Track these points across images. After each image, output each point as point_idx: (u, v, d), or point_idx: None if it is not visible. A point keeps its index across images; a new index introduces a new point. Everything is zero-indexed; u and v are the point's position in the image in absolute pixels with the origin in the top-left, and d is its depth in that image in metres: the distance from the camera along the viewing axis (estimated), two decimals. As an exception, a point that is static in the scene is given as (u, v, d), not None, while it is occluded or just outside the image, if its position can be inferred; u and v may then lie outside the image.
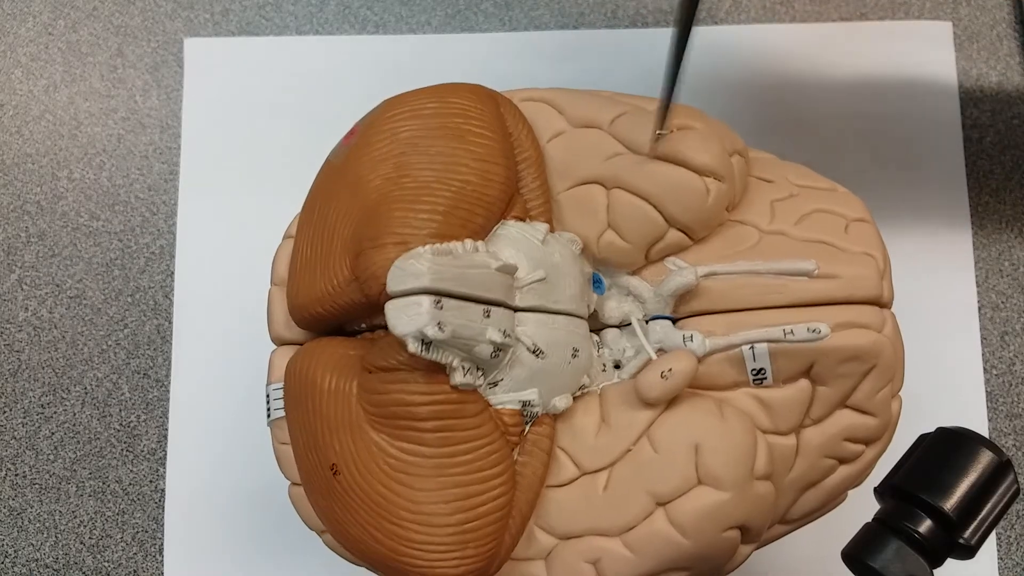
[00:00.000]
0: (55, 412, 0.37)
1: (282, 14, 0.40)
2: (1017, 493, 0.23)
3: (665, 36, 0.39)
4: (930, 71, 0.39)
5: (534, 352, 0.25)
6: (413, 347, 0.22)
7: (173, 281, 0.38)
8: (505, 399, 0.25)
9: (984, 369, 0.37)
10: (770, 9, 0.40)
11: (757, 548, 0.27)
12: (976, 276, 0.37)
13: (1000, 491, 0.23)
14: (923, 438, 0.25)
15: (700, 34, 0.39)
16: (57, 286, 0.38)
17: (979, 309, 0.37)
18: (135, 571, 0.36)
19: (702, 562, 0.25)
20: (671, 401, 0.26)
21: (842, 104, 0.39)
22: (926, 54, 0.39)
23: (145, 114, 0.39)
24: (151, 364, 0.37)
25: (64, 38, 0.40)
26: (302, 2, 0.40)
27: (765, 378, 0.26)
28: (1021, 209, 0.38)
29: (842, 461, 0.28)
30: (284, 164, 0.38)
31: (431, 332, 0.22)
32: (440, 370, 0.23)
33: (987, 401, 0.37)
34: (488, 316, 0.23)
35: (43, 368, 0.37)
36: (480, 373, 0.24)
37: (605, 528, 0.25)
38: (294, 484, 0.28)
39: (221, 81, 0.39)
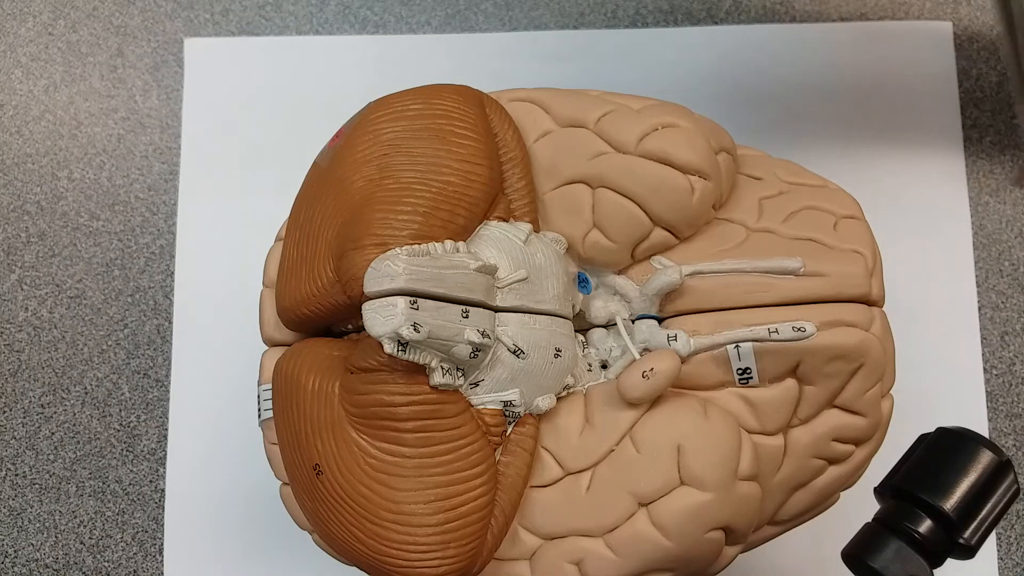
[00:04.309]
0: (55, 412, 0.37)
1: (282, 14, 0.40)
2: (1017, 493, 0.23)
3: (665, 36, 0.39)
4: (930, 71, 0.39)
5: (515, 352, 0.25)
6: (389, 348, 0.22)
7: (173, 281, 0.38)
8: (487, 399, 0.25)
9: (984, 369, 0.37)
10: (770, 9, 0.40)
11: (745, 550, 0.27)
12: (976, 276, 0.37)
13: (1000, 491, 0.23)
14: (923, 438, 0.25)
15: (700, 34, 0.39)
16: (57, 286, 0.38)
17: (979, 309, 0.37)
18: (135, 571, 0.36)
19: (686, 563, 0.25)
20: (655, 401, 0.25)
21: (842, 104, 0.39)
22: (926, 54, 0.39)
23: (145, 114, 0.39)
24: (151, 364, 0.37)
25: (64, 38, 0.40)
26: (302, 2, 0.40)
27: (751, 378, 0.26)
28: (1021, 209, 0.38)
29: (832, 462, 0.27)
30: (284, 164, 0.39)
31: (406, 333, 0.22)
32: (420, 371, 0.24)
33: (987, 401, 0.37)
34: (467, 316, 0.23)
35: (43, 368, 0.37)
36: (460, 373, 0.24)
37: (588, 529, 0.25)
38: (284, 484, 0.28)
39: (221, 81, 0.39)
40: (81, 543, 0.36)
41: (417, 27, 0.40)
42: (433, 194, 0.25)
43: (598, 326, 0.28)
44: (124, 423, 0.37)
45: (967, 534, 0.23)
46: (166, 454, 0.37)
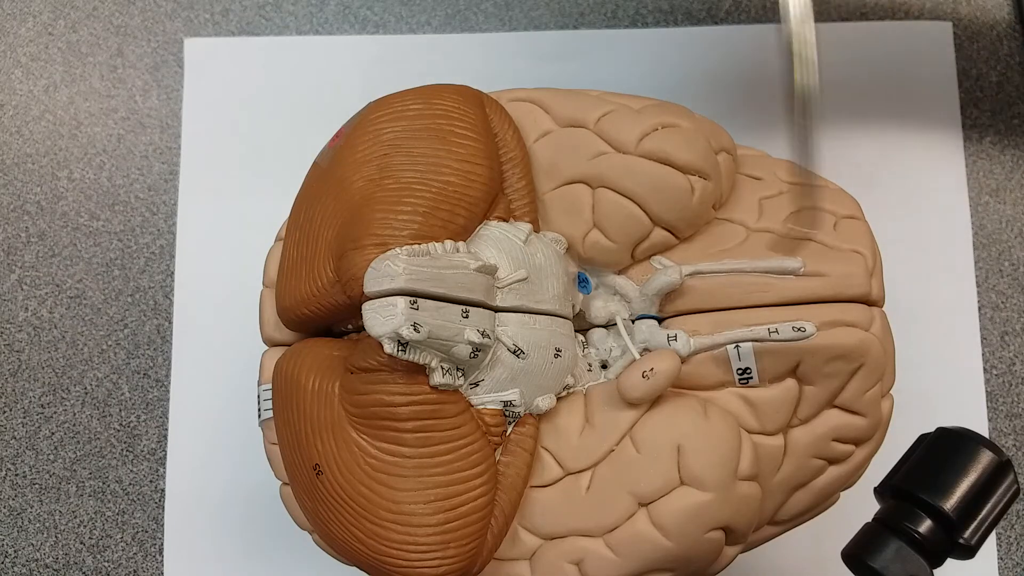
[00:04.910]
0: (55, 412, 0.37)
1: (282, 14, 0.40)
2: (1017, 493, 0.23)
3: (665, 36, 0.39)
4: (930, 71, 0.39)
5: (515, 352, 0.25)
6: (389, 348, 0.22)
7: (173, 281, 0.38)
8: (487, 399, 0.25)
9: (984, 369, 0.37)
10: (770, 9, 0.40)
11: (744, 550, 0.27)
12: (976, 276, 0.37)
13: (1000, 491, 0.23)
14: (923, 438, 0.25)
15: (700, 34, 0.39)
16: (57, 286, 0.38)
17: (979, 309, 0.37)
18: (135, 571, 0.36)
19: (686, 563, 0.25)
20: (655, 401, 0.25)
21: (841, 104, 0.39)
22: (926, 54, 0.39)
23: (145, 114, 0.39)
24: (151, 364, 0.37)
25: (64, 38, 0.40)
26: (302, 2, 0.40)
27: (751, 378, 0.26)
28: (1021, 209, 0.38)
29: (832, 462, 0.27)
30: (284, 164, 0.39)
31: (406, 333, 0.22)
32: (420, 371, 0.24)
33: (987, 401, 0.37)
34: (467, 316, 0.23)
35: (43, 368, 0.37)
36: (460, 373, 0.24)
37: (588, 529, 0.25)
38: (285, 484, 0.28)
39: (221, 81, 0.39)
40: (81, 543, 0.36)
41: (417, 27, 0.40)
42: (433, 194, 0.25)
43: (598, 326, 0.28)
44: (124, 423, 0.37)
45: (967, 534, 0.23)
46: (166, 454, 0.37)
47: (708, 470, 0.25)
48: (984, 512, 0.23)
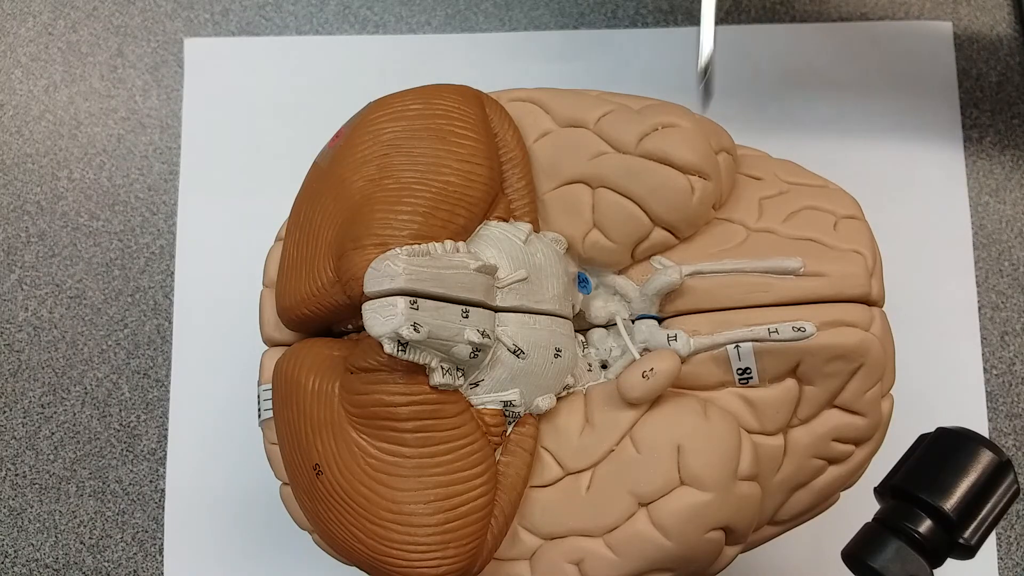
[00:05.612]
0: (55, 412, 0.37)
1: (282, 14, 0.40)
2: (1017, 493, 0.23)
3: (665, 36, 0.39)
4: (930, 71, 0.39)
5: (515, 352, 0.25)
6: (389, 348, 0.22)
7: (173, 281, 0.38)
8: (487, 399, 0.25)
9: (984, 369, 0.37)
10: (770, 9, 0.40)
11: (745, 550, 0.27)
12: (976, 276, 0.37)
13: (1000, 491, 0.23)
14: (923, 438, 0.25)
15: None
16: (57, 286, 0.38)
17: (979, 309, 0.37)
18: (135, 571, 0.36)
19: (686, 563, 0.25)
20: (655, 401, 0.25)
21: (841, 104, 0.39)
22: (926, 54, 0.39)
23: (145, 114, 0.39)
24: (151, 364, 0.37)
25: (64, 38, 0.40)
26: (302, 2, 0.40)
27: (751, 378, 0.26)
28: (1021, 209, 0.38)
29: (832, 462, 0.27)
30: (284, 164, 0.39)
31: (406, 333, 0.22)
32: (420, 371, 0.24)
33: (987, 401, 0.37)
34: (467, 316, 0.23)
35: (43, 368, 0.37)
36: (460, 373, 0.24)
37: (588, 529, 0.25)
38: (284, 484, 0.28)
39: (221, 81, 0.39)
40: (81, 543, 0.36)
41: (417, 27, 0.40)
42: (433, 194, 0.25)
43: (598, 326, 0.28)
44: (124, 423, 0.37)
45: (967, 534, 0.23)
46: (166, 454, 0.37)
47: (708, 470, 0.25)
48: (984, 512, 0.23)
